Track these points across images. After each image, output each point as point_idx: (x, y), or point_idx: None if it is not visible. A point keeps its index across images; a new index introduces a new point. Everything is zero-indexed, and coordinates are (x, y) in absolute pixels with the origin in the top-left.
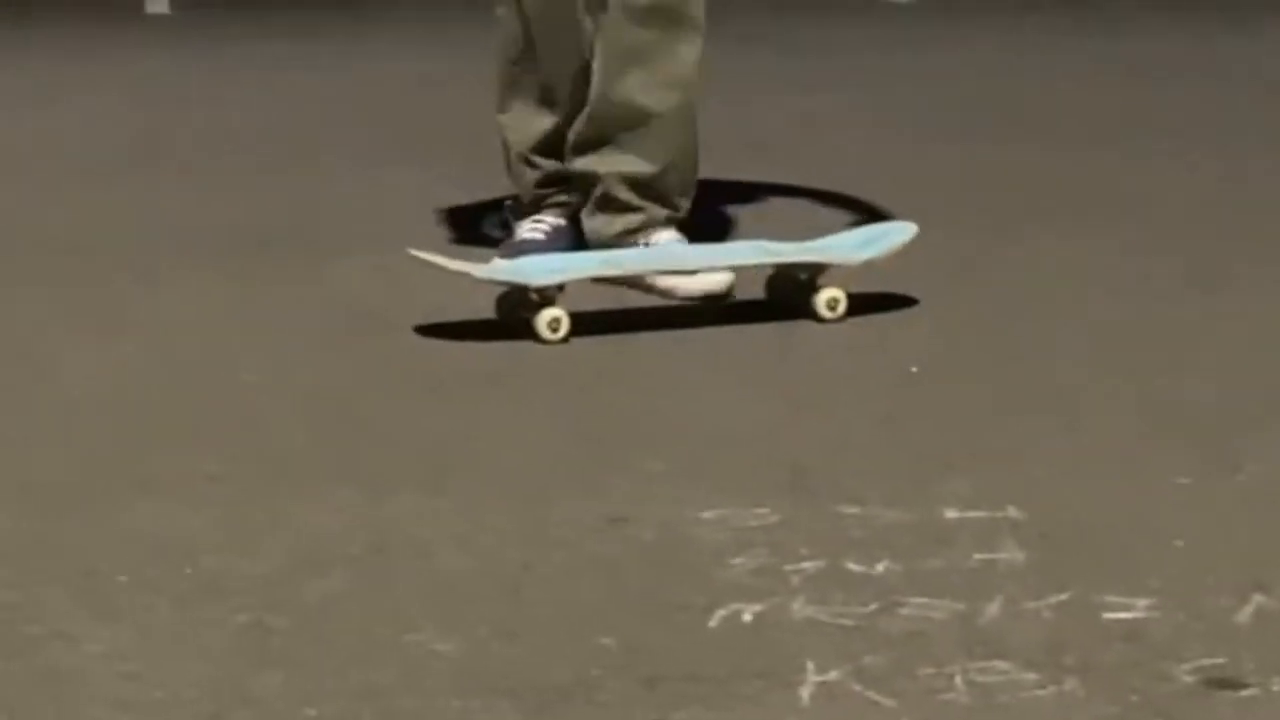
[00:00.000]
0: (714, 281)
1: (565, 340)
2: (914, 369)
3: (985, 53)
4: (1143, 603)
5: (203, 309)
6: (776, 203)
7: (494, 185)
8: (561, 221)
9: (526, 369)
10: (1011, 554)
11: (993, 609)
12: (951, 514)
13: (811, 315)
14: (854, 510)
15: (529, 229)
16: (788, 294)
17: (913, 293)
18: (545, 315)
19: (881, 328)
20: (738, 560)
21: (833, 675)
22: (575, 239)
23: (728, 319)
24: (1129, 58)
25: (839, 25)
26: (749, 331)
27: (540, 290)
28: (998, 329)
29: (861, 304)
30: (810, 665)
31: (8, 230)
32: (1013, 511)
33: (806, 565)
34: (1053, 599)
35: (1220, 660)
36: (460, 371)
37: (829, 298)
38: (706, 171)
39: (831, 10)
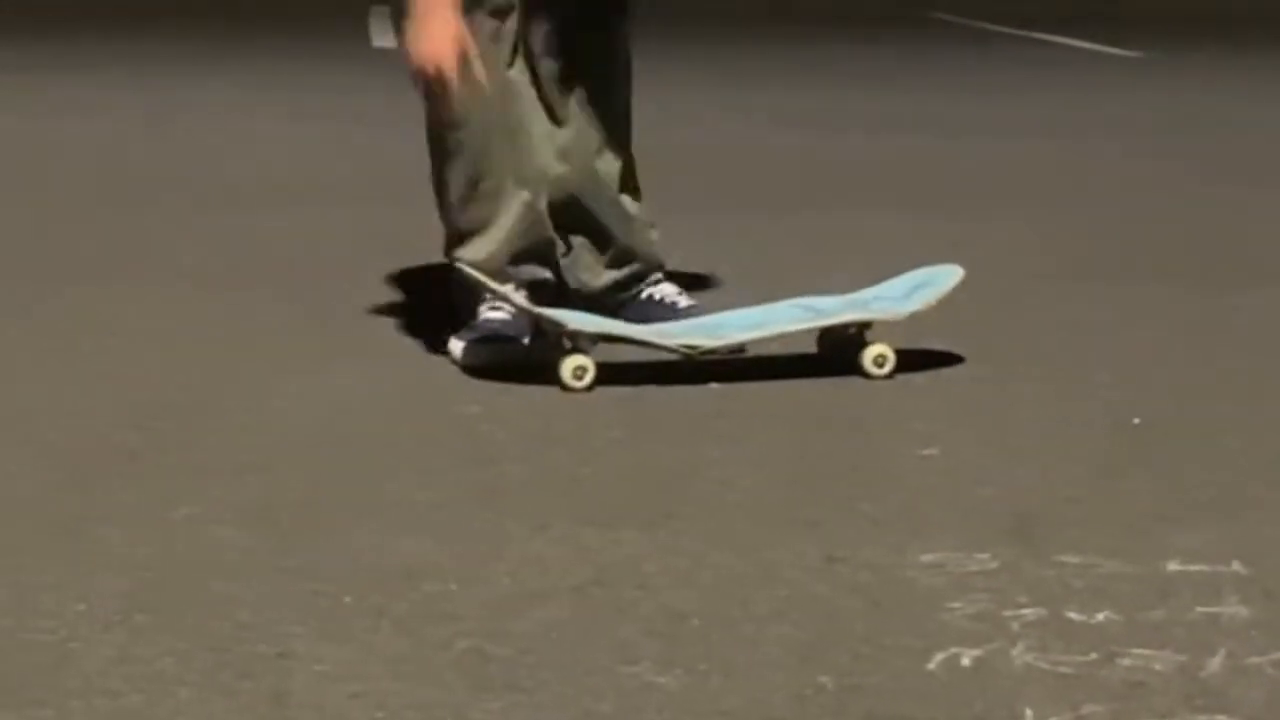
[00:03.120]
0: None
1: (589, 389)
2: (1136, 420)
3: (1210, 105)
4: None
5: (428, 338)
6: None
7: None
8: (522, 300)
9: (747, 409)
10: (1234, 609)
11: (1215, 663)
12: (1174, 566)
13: (860, 372)
14: (1075, 559)
15: (490, 307)
16: (839, 349)
17: (1135, 345)
18: (570, 362)
19: (1101, 379)
20: (957, 604)
21: None
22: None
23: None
24: None
25: (1075, 76)
26: (967, 377)
27: (573, 336)
28: (1222, 385)
29: (1081, 355)
30: (1029, 713)
31: (239, 257)
32: (1237, 566)
33: (1026, 612)
34: (1276, 655)
35: None
36: (681, 410)
37: (876, 354)
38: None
39: (1064, 63)
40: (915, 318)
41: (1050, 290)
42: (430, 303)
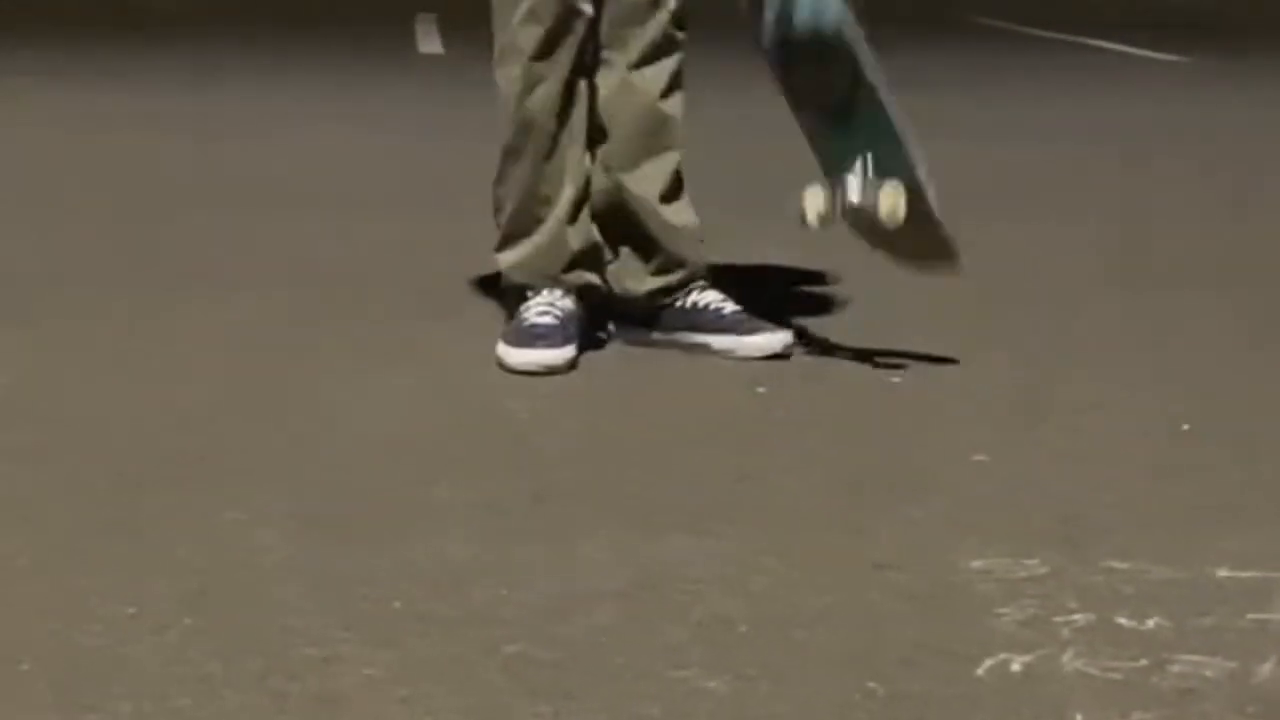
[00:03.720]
0: (773, 341)
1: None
2: (1186, 426)
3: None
4: None
5: (473, 344)
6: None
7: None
8: (571, 304)
9: (794, 413)
10: None
11: (1266, 669)
12: (1224, 572)
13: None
14: (1124, 565)
15: (538, 312)
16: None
17: (1185, 350)
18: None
19: (1149, 384)
20: (1006, 610)
21: None
22: (583, 321)
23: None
24: None
25: (1119, 81)
26: (1016, 382)
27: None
28: (1272, 390)
29: (1129, 361)
30: (1079, 718)
31: (288, 264)
32: None
33: (1076, 618)
34: None
35: None
36: (727, 415)
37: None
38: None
39: (1108, 68)
40: (962, 323)
41: (1098, 295)
42: (478, 308)
